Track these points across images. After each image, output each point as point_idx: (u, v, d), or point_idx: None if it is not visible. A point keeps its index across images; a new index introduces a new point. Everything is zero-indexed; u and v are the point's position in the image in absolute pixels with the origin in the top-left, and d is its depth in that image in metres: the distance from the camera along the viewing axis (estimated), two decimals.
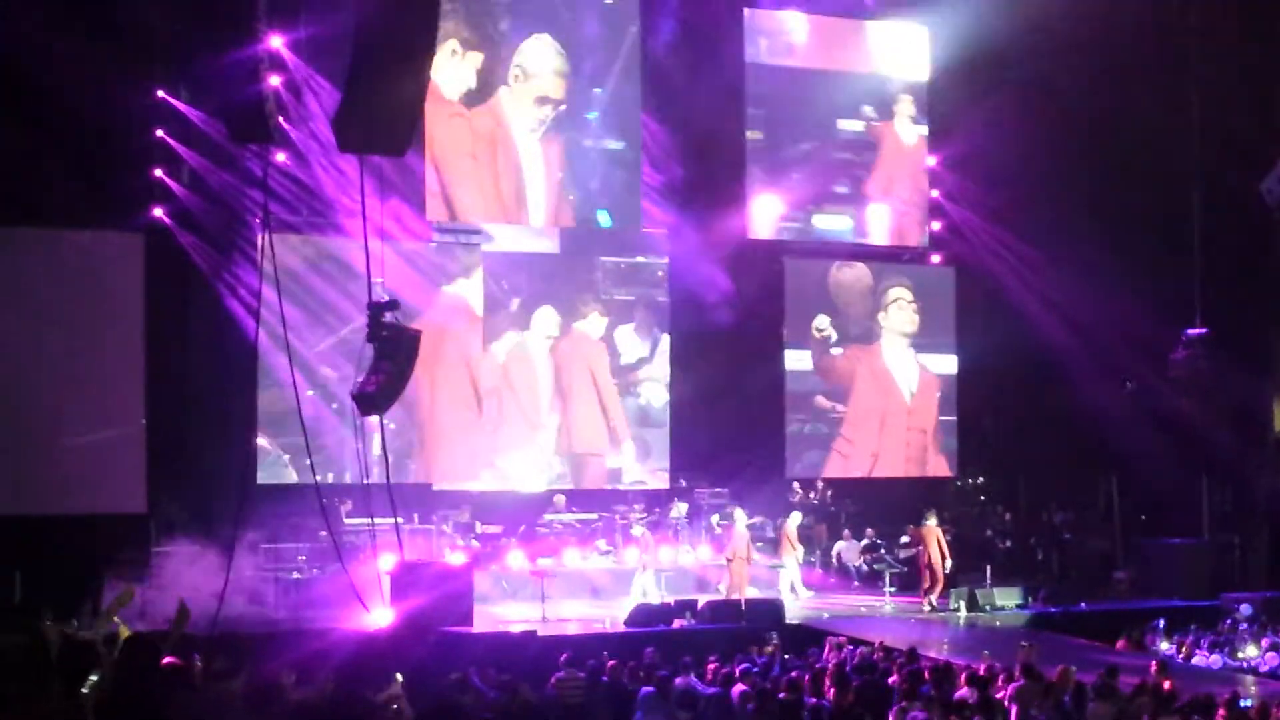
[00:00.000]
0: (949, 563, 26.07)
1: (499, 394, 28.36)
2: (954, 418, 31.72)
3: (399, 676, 14.10)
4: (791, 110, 30.54)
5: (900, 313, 31.53)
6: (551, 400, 28.88)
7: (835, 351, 31.08)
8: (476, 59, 27.91)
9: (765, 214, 30.42)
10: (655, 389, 29.60)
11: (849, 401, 31.17)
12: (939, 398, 31.70)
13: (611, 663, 17.34)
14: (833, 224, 31.26)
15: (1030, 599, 25.91)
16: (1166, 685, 16.02)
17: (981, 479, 32.48)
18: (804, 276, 31.12)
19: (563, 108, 28.67)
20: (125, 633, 12.39)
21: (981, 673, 16.27)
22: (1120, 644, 22.79)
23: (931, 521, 26.44)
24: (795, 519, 27.35)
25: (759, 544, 26.80)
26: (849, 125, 31.16)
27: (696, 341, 29.80)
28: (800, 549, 27.18)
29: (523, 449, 28.51)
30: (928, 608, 25.46)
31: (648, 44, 29.32)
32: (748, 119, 30.15)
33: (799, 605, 25.54)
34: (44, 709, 6.11)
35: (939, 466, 31.76)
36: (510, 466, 28.33)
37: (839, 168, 31.09)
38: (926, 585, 25.95)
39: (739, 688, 15.67)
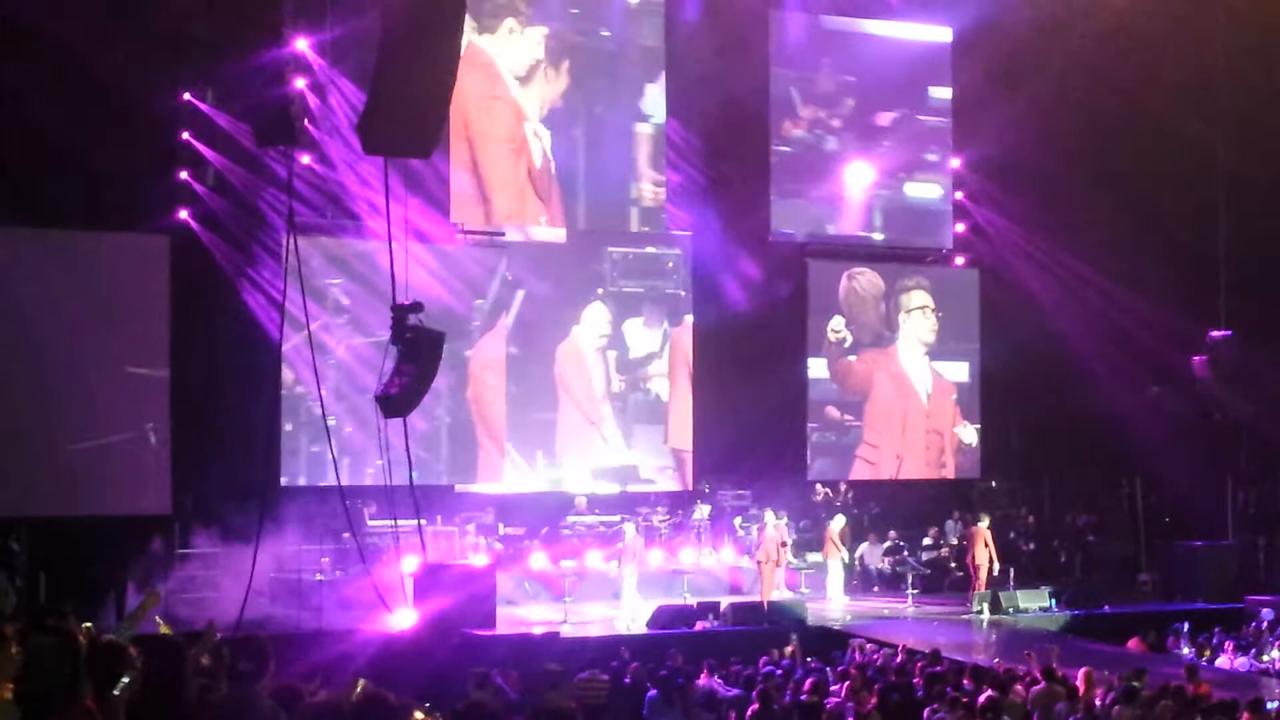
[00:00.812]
0: (996, 565, 26.17)
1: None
2: (977, 421, 31.66)
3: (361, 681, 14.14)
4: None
5: (924, 320, 31.49)
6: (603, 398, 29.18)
7: (850, 357, 31.05)
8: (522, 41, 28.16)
9: (789, 213, 30.45)
10: (663, 384, 29.65)
11: (868, 404, 31.13)
12: (954, 400, 31.66)
13: (634, 664, 17.39)
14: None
15: (1055, 602, 25.88)
16: (1194, 689, 16.01)
17: (1005, 481, 32.42)
18: (827, 278, 31.11)
19: (582, 101, 28.76)
20: (166, 630, 12.44)
21: (1003, 675, 16.27)
22: (1133, 643, 22.82)
23: (984, 523, 26.60)
24: (839, 522, 27.40)
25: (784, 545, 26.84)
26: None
27: (718, 342, 29.78)
28: (844, 551, 27.20)
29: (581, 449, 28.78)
30: (977, 608, 25.43)
31: (673, 39, 29.33)
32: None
33: (843, 608, 25.65)
34: (77, 710, 6.13)
35: (962, 469, 31.70)
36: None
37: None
38: (980, 582, 26.13)
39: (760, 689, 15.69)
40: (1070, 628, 24.52)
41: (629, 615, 23.82)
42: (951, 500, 31.38)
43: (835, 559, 26.98)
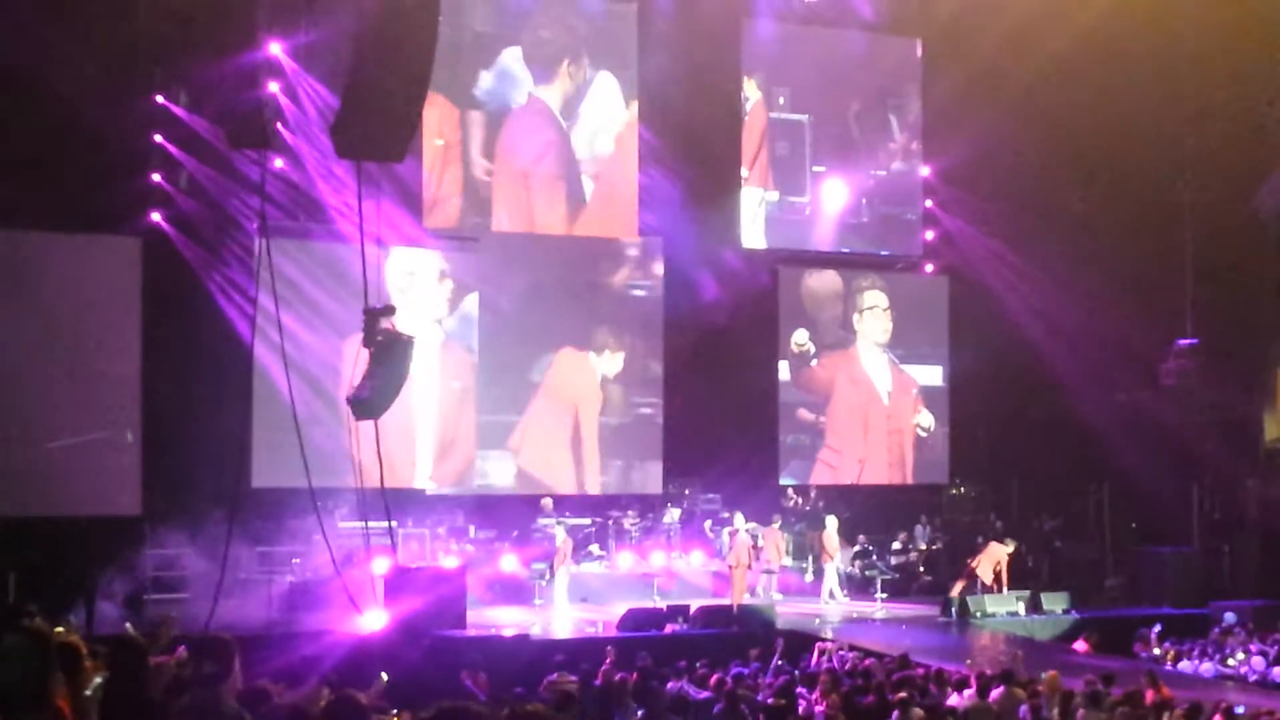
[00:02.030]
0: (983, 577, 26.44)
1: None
2: (946, 425, 31.83)
3: (384, 676, 14.17)
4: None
5: (875, 320, 31.65)
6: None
7: (813, 362, 31.19)
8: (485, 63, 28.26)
9: (760, 219, 30.60)
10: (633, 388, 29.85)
11: (829, 409, 31.28)
12: (915, 394, 31.82)
13: (604, 665, 17.47)
14: (894, 199, 31.96)
15: (1024, 606, 26.04)
16: (1160, 694, 16.15)
17: (973, 486, 32.58)
18: (798, 284, 31.25)
19: (559, 112, 28.87)
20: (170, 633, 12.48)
21: (970, 679, 16.39)
22: (1079, 644, 23.07)
23: (1007, 548, 26.95)
24: (833, 525, 27.41)
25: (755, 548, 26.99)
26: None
27: (689, 347, 29.87)
28: (838, 555, 27.30)
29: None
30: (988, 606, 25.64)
31: (644, 48, 29.45)
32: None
33: (839, 610, 26.00)
34: (48, 709, 6.18)
35: (927, 467, 31.86)
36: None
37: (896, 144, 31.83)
38: (962, 583, 26.49)
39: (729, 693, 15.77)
40: (1040, 632, 24.74)
41: (561, 618, 23.87)
42: (920, 505, 31.54)
43: (830, 564, 27.12)
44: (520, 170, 28.69)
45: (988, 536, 28.81)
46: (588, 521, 27.84)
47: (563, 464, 28.96)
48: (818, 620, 24.68)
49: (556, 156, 29.00)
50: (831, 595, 27.04)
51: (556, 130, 29.00)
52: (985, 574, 26.43)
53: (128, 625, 14.67)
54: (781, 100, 30.92)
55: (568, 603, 24.78)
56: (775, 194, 30.75)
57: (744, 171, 30.38)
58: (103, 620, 21.44)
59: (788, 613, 24.70)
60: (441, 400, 27.95)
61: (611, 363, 29.44)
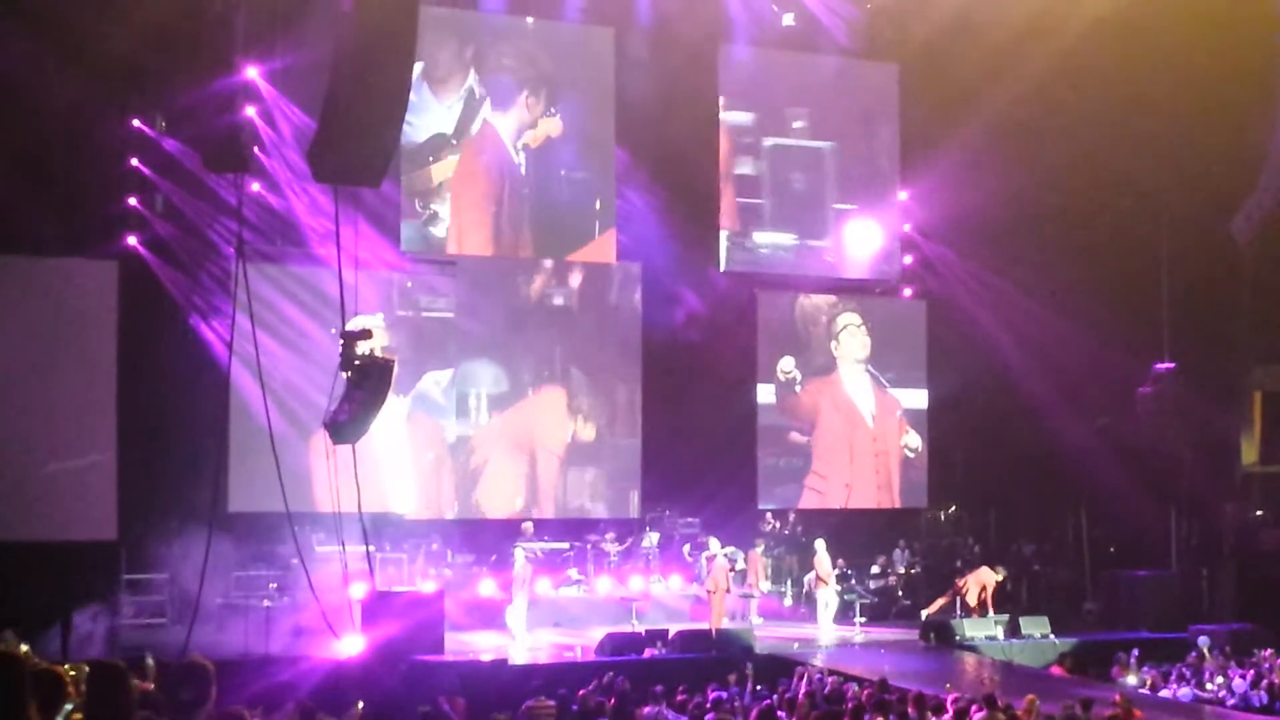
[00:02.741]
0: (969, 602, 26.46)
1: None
2: (925, 449, 31.85)
3: (360, 704, 14.12)
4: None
5: (851, 339, 31.70)
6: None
7: (796, 388, 31.21)
8: (459, 91, 28.23)
9: (738, 243, 30.66)
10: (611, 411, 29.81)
11: (814, 434, 31.30)
12: (899, 415, 31.83)
13: (582, 691, 17.41)
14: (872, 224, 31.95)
15: (1003, 630, 26.02)
16: (1135, 715, 16.17)
17: (952, 510, 32.60)
18: (776, 307, 31.29)
19: (534, 140, 28.91)
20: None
21: (949, 704, 16.36)
22: (1054, 669, 23.09)
23: (997, 576, 26.94)
24: (822, 548, 27.26)
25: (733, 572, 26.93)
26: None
27: (668, 371, 29.87)
28: (832, 579, 27.20)
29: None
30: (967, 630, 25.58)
31: (621, 75, 29.50)
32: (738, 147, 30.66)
33: (835, 636, 26.03)
34: None
35: (911, 491, 31.87)
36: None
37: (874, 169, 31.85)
38: (943, 601, 26.52)
39: (709, 717, 15.73)
40: (1018, 656, 24.71)
41: (519, 646, 23.66)
42: (899, 529, 31.54)
43: (827, 590, 27.01)
44: (492, 195, 28.65)
45: (970, 561, 28.81)
46: (566, 545, 27.73)
47: (540, 488, 28.91)
48: (796, 645, 24.62)
49: (530, 181, 28.99)
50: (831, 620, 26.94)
51: (522, 156, 28.99)
52: (971, 597, 26.43)
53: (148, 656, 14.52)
54: (757, 124, 30.99)
55: (525, 630, 24.46)
56: (753, 217, 30.84)
57: (720, 193, 30.44)
58: (78, 645, 21.32)
59: (767, 637, 24.65)
60: (416, 424, 27.87)
61: (588, 387, 29.39)
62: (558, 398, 29.27)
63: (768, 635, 24.95)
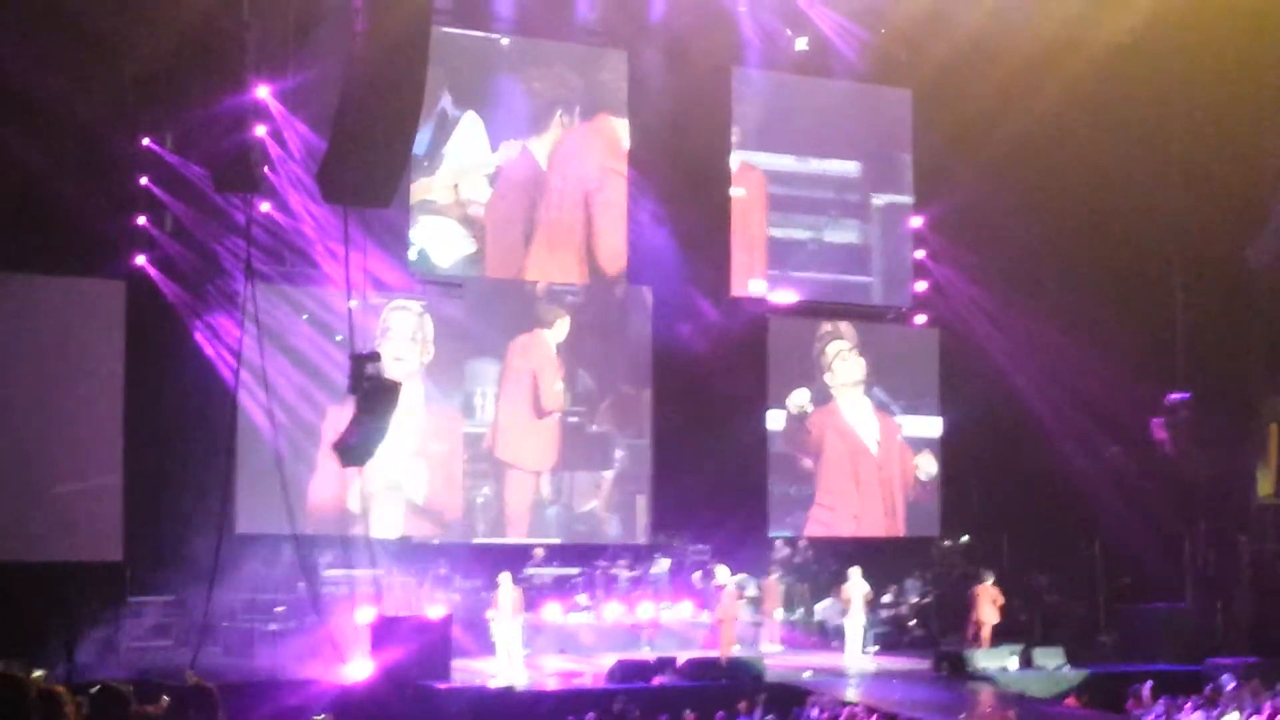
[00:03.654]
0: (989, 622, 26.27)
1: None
2: (938, 478, 31.63)
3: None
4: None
5: (844, 364, 31.43)
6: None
7: (806, 422, 31.04)
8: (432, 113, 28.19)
9: (750, 268, 30.52)
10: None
11: (820, 465, 31.08)
12: (900, 439, 31.63)
13: (590, 716, 17.25)
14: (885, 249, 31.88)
15: (1016, 661, 25.77)
16: None
17: (964, 540, 32.36)
18: (788, 333, 31.11)
19: (547, 164, 28.86)
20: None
21: None
22: (1069, 701, 22.87)
23: (988, 582, 26.66)
24: (856, 575, 26.92)
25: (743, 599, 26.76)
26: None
27: (679, 397, 29.70)
28: (861, 608, 26.82)
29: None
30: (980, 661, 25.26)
31: (634, 98, 29.42)
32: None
33: (865, 663, 25.86)
34: None
35: (922, 526, 31.63)
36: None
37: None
38: (970, 637, 26.23)
39: None
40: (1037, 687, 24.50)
41: (510, 670, 23.34)
42: (910, 557, 31.28)
43: (852, 619, 26.64)
44: (506, 217, 28.57)
45: (969, 585, 28.57)
46: (575, 571, 27.55)
47: (549, 513, 28.75)
48: (808, 673, 24.38)
49: (544, 204, 28.91)
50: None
51: (541, 177, 28.91)
52: (990, 616, 26.22)
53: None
54: (770, 148, 30.92)
55: (508, 659, 24.12)
56: (762, 241, 30.72)
57: (733, 218, 30.35)
58: (83, 667, 21.18)
59: (779, 665, 24.42)
60: (426, 450, 27.71)
61: (598, 409, 29.26)
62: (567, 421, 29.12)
63: (780, 663, 24.73)
